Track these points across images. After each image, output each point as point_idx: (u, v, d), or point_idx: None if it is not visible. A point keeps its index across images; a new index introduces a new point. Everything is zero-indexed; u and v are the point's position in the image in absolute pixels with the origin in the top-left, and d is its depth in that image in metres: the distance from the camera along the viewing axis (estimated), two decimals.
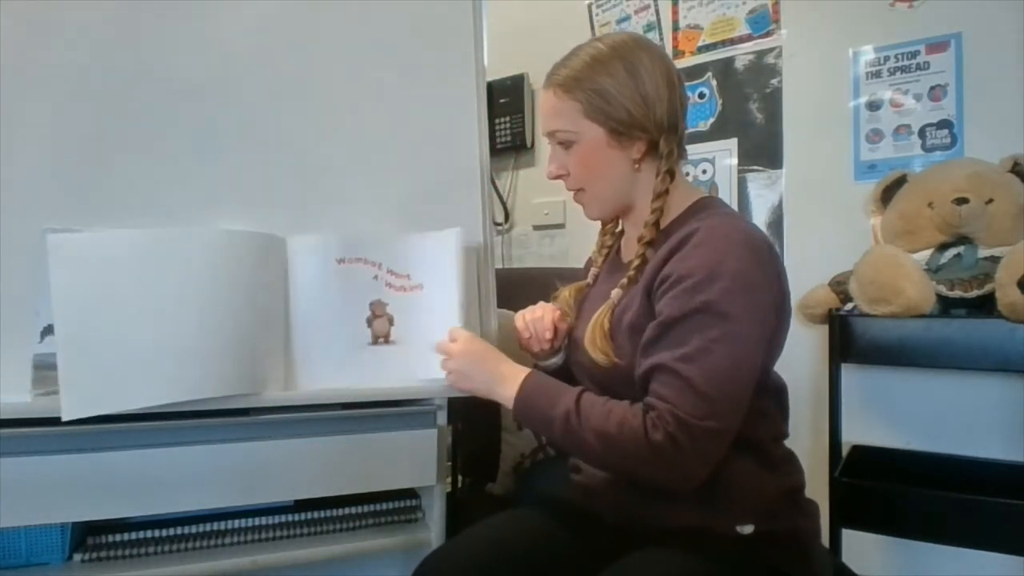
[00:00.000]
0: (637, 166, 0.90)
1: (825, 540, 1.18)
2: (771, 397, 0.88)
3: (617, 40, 0.89)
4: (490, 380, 0.90)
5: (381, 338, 1.04)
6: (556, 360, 1.03)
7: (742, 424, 0.82)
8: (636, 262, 0.88)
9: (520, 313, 1.03)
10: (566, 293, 1.04)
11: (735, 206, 1.73)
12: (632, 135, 0.87)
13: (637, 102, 0.86)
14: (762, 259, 0.80)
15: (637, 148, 0.89)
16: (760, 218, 1.70)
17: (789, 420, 0.93)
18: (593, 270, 1.05)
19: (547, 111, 0.92)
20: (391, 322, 1.04)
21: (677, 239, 0.83)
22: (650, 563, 0.80)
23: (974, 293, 1.22)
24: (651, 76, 0.87)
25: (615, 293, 0.89)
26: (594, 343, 0.88)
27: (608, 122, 0.87)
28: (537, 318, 0.99)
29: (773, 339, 0.84)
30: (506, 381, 0.88)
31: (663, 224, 0.89)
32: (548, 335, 0.98)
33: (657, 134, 0.88)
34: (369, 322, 1.04)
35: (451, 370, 0.94)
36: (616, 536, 0.87)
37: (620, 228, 1.04)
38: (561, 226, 2.20)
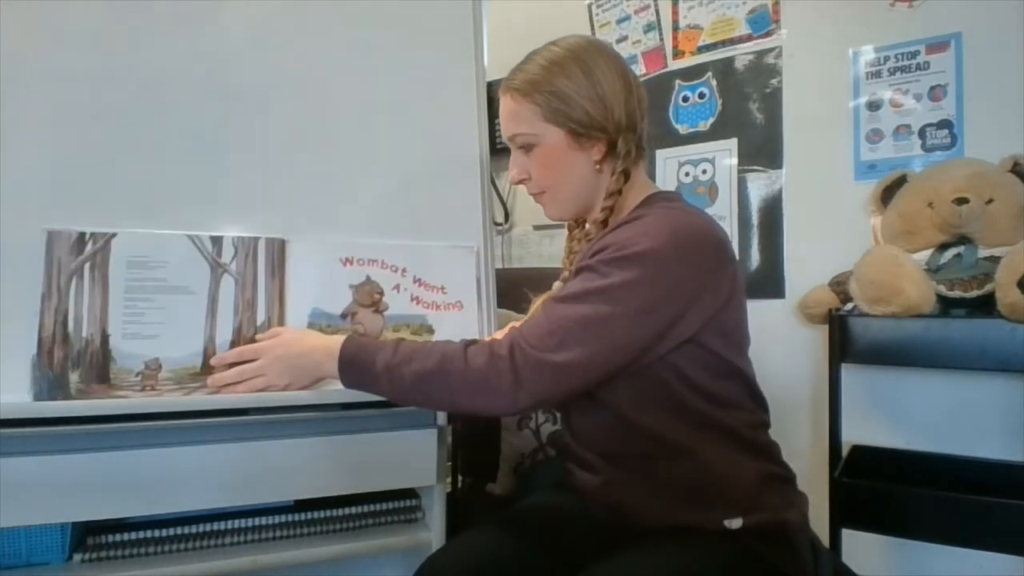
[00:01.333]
0: (598, 167, 0.90)
1: (825, 540, 1.18)
2: (737, 383, 0.87)
3: (572, 43, 0.90)
4: (311, 365, 0.91)
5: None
6: None
7: (713, 411, 0.83)
8: (575, 258, 0.90)
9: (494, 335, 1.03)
10: (538, 303, 1.03)
11: (735, 206, 1.73)
12: (592, 136, 0.88)
13: (595, 103, 0.87)
14: (686, 246, 0.79)
15: (597, 149, 0.89)
16: (759, 218, 1.70)
17: (768, 409, 0.92)
18: (564, 275, 1.04)
19: (506, 116, 0.92)
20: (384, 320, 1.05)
21: (614, 227, 0.84)
22: (638, 563, 0.79)
23: (974, 293, 1.22)
24: (607, 77, 0.87)
25: (556, 285, 0.92)
26: None
27: (568, 123, 0.87)
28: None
29: (715, 326, 0.82)
30: (324, 357, 0.88)
31: (613, 222, 0.89)
32: None
33: (616, 134, 0.88)
34: (349, 316, 1.04)
35: (264, 369, 0.92)
36: (611, 536, 0.87)
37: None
38: (561, 226, 2.20)
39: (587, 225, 0.97)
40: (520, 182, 0.95)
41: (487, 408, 0.81)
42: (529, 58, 0.91)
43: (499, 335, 0.97)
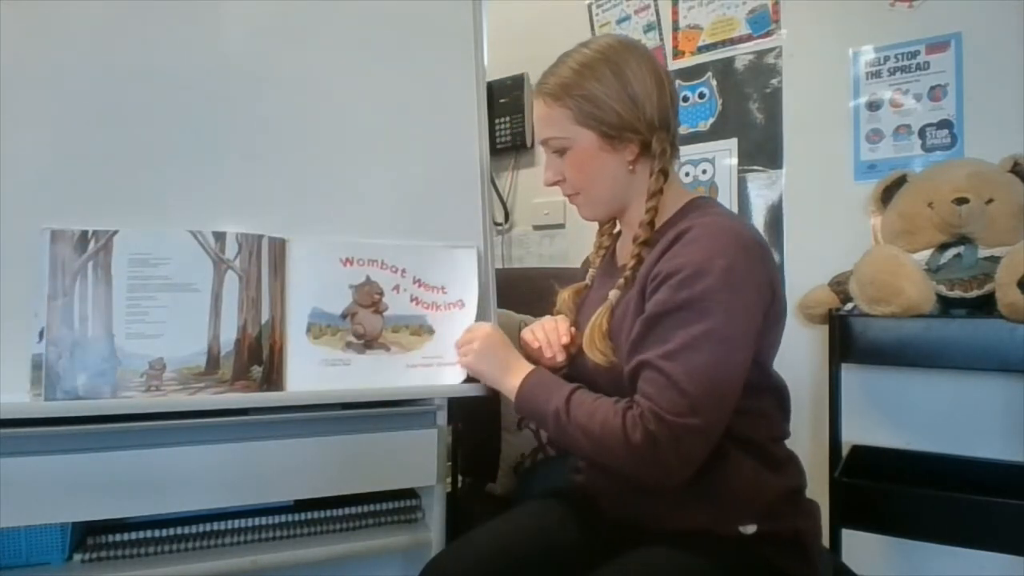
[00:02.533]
0: (632, 167, 0.90)
1: (825, 540, 1.18)
2: (771, 397, 0.88)
3: (603, 44, 0.90)
4: (501, 369, 0.95)
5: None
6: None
7: (743, 424, 0.82)
8: (632, 262, 0.88)
9: (529, 327, 1.02)
10: (565, 295, 1.04)
11: (735, 206, 1.73)
12: (624, 137, 0.88)
13: (626, 104, 0.86)
14: (752, 257, 0.80)
15: (630, 150, 0.89)
16: (760, 218, 1.70)
17: (790, 421, 0.92)
18: (591, 271, 1.05)
19: (539, 119, 0.92)
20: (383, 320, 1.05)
21: (671, 238, 0.83)
22: (649, 563, 0.80)
23: (974, 293, 1.22)
24: (638, 76, 0.87)
25: (613, 294, 0.90)
26: (592, 344, 0.88)
27: (599, 127, 0.87)
28: (551, 328, 0.99)
29: (765, 338, 0.83)
30: (513, 374, 0.93)
31: (658, 224, 0.89)
32: (565, 339, 0.97)
33: (649, 134, 0.88)
34: (349, 317, 1.03)
35: (472, 351, 0.99)
36: (618, 536, 0.87)
37: (617, 229, 1.04)
38: (561, 226, 2.20)
39: (622, 228, 0.98)
40: (555, 183, 0.95)
41: (647, 480, 0.80)
42: (560, 61, 0.91)
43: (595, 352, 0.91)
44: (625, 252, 0.93)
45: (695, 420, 0.74)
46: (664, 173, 0.89)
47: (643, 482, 0.81)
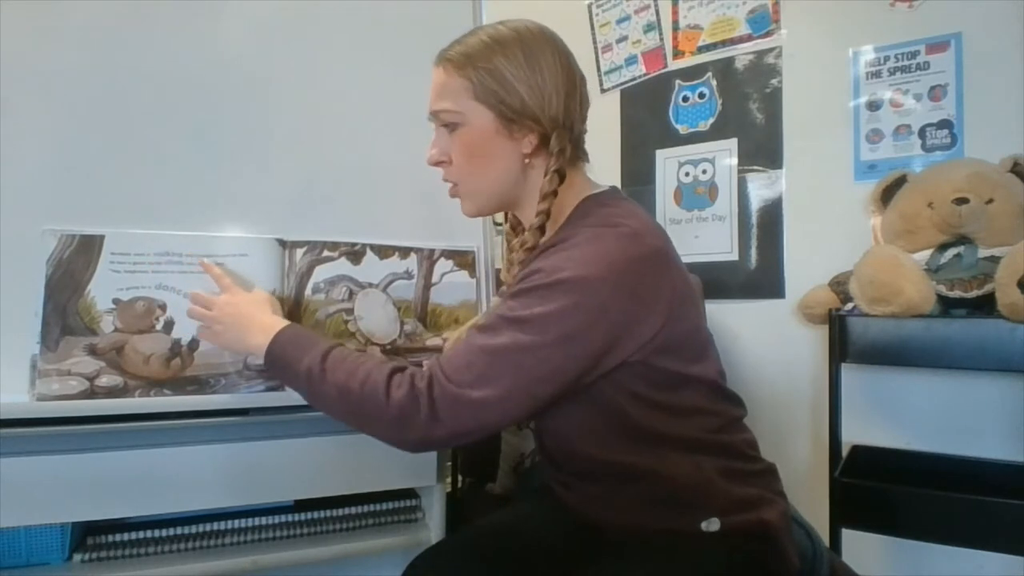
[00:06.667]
0: (527, 161, 0.83)
1: (825, 540, 1.19)
2: (696, 392, 0.81)
3: (520, 26, 0.83)
4: (240, 329, 0.87)
5: None
6: None
7: (671, 424, 0.78)
8: (515, 270, 0.84)
9: None
10: (464, 328, 0.99)
11: (735, 206, 1.73)
12: (523, 124, 0.81)
13: (533, 88, 0.80)
14: (624, 273, 0.72)
15: (528, 141, 0.82)
16: (759, 218, 1.70)
17: (742, 404, 0.87)
18: (502, 289, 0.95)
19: (433, 89, 0.84)
20: None
21: (551, 243, 0.79)
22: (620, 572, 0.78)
23: (974, 293, 1.22)
24: (551, 68, 0.81)
25: (494, 301, 0.88)
26: None
27: (499, 106, 0.80)
28: None
29: (661, 341, 0.75)
30: (256, 332, 0.85)
31: (552, 228, 0.83)
32: None
33: (550, 129, 0.81)
34: None
35: (203, 328, 0.92)
36: (594, 547, 0.85)
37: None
38: None
39: (525, 233, 0.86)
40: (438, 164, 0.87)
41: (400, 442, 0.76)
42: (472, 32, 0.84)
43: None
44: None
45: (467, 392, 0.70)
46: (560, 174, 0.82)
47: (392, 443, 0.76)
